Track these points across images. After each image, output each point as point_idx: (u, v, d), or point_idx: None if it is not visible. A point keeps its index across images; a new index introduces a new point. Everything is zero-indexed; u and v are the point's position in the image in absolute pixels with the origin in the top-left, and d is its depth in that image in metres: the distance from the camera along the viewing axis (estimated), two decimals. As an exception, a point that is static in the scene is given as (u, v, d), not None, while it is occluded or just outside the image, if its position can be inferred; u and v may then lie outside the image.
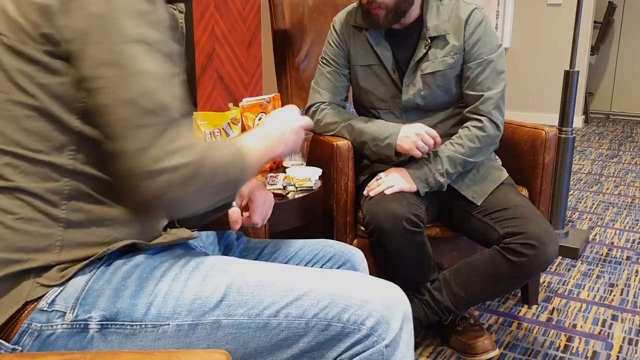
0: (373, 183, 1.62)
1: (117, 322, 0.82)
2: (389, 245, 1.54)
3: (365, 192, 1.62)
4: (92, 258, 0.84)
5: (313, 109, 1.76)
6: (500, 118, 1.64)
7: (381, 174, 1.63)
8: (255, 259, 1.14)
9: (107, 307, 0.82)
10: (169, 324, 0.83)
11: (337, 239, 1.70)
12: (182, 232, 0.99)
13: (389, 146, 1.59)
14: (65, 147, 0.82)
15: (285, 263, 1.14)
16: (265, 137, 0.98)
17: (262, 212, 1.12)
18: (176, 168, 0.77)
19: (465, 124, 1.65)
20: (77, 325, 0.81)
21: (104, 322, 0.82)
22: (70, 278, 0.83)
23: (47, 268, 0.83)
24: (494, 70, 1.62)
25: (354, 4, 1.75)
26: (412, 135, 1.55)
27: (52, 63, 0.79)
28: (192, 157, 0.79)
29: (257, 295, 0.85)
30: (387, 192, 1.57)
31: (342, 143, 1.64)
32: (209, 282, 0.85)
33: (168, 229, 1.00)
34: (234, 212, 1.10)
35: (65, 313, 0.81)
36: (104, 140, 0.79)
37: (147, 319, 0.83)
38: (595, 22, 5.15)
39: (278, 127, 1.02)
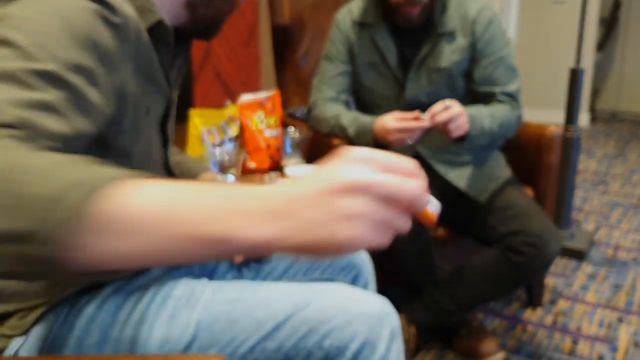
0: (438, 107, 1.42)
1: None
2: (393, 246, 1.50)
3: (428, 117, 1.42)
4: (54, 303, 0.78)
5: (313, 106, 1.73)
6: (520, 112, 1.63)
7: (449, 101, 1.45)
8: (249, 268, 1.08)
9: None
10: None
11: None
12: None
13: (369, 144, 1.55)
14: None
15: (286, 271, 1.08)
16: (234, 191, 0.47)
17: None
18: None
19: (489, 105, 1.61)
20: None
21: None
22: (33, 324, 0.78)
23: (6, 316, 0.78)
24: (506, 66, 1.61)
25: (357, 0, 1.72)
26: (390, 136, 1.48)
27: None
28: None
29: (228, 332, 0.79)
30: (452, 126, 1.41)
31: (342, 142, 1.62)
32: (177, 323, 0.80)
33: None
34: None
35: None
36: None
37: None
38: (601, 18, 5.10)
39: (294, 187, 0.47)
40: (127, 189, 0.43)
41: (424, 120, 1.43)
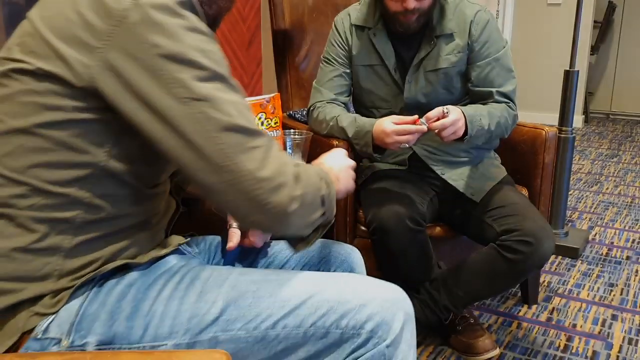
0: (434, 112, 1.45)
1: (114, 346, 0.81)
2: (391, 245, 1.54)
3: (425, 121, 1.46)
4: (83, 280, 0.82)
5: (312, 108, 1.76)
6: (516, 112, 1.67)
7: (448, 107, 1.47)
8: (252, 263, 1.13)
9: (103, 331, 0.81)
10: (166, 344, 0.82)
11: (337, 239, 1.69)
12: (174, 240, 0.97)
13: (367, 145, 1.57)
14: (84, 180, 0.81)
15: (281, 267, 1.13)
16: (327, 171, 0.97)
17: (261, 233, 1.10)
18: (293, 174, 0.81)
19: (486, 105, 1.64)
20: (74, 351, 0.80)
21: (101, 347, 0.80)
22: (64, 304, 0.82)
23: (41, 297, 0.82)
24: (503, 67, 1.64)
25: (356, 4, 1.75)
26: (387, 138, 1.50)
27: (89, 100, 0.77)
28: (297, 167, 0.83)
29: (254, 308, 0.84)
30: (444, 133, 1.45)
31: (342, 143, 1.64)
32: (206, 299, 0.85)
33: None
34: (234, 232, 1.09)
35: (61, 339, 0.80)
36: (201, 176, 0.78)
37: (145, 341, 0.81)
38: (595, 21, 5.15)
39: (334, 164, 1.03)
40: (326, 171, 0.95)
41: (423, 124, 1.45)
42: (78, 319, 0.81)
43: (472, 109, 1.55)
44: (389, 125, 1.49)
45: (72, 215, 0.81)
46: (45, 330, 0.80)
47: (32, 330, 0.80)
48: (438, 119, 1.45)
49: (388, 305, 0.85)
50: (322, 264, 1.13)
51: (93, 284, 0.84)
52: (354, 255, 1.16)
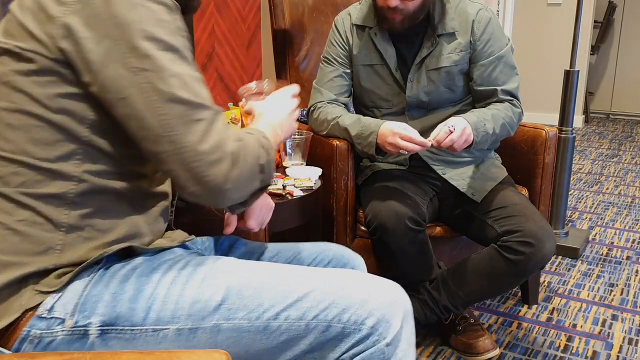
0: (442, 134, 1.45)
1: (117, 327, 0.82)
2: (391, 244, 1.54)
3: (434, 142, 1.46)
4: (88, 261, 0.84)
5: (312, 108, 1.76)
6: (521, 109, 1.67)
7: (451, 123, 1.47)
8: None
9: (107, 312, 0.82)
10: (168, 328, 0.83)
11: (337, 239, 1.70)
12: (180, 235, 0.99)
13: (370, 145, 1.58)
14: (72, 155, 0.83)
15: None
16: (269, 125, 0.99)
17: (257, 216, 1.11)
18: (231, 153, 0.83)
19: (490, 106, 1.65)
20: (77, 331, 0.81)
21: (104, 327, 0.81)
22: (68, 283, 0.83)
23: (45, 273, 0.83)
24: (506, 65, 1.65)
25: (356, 4, 1.75)
26: (390, 137, 1.51)
27: (65, 74, 0.80)
28: (238, 142, 0.84)
29: (257, 298, 0.85)
30: (456, 146, 1.47)
31: (342, 143, 1.64)
32: (208, 284, 0.85)
33: (165, 233, 1.00)
34: (229, 216, 1.09)
35: (65, 319, 0.81)
36: (145, 144, 0.81)
37: (147, 323, 0.82)
38: (595, 21, 5.15)
39: (276, 114, 1.03)
40: (266, 134, 0.95)
41: (428, 142, 1.46)
42: (82, 300, 0.82)
43: (476, 116, 1.55)
44: (397, 127, 1.50)
45: (64, 190, 0.83)
46: (51, 309, 0.81)
47: (36, 307, 0.81)
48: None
49: (389, 302, 0.86)
50: (324, 267, 1.13)
51: (99, 266, 0.85)
52: (357, 260, 1.16)
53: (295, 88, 1.09)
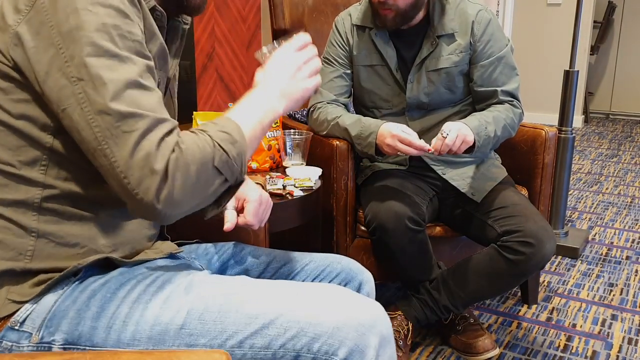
0: (437, 142, 1.46)
1: (78, 346, 0.79)
2: (391, 244, 1.54)
3: (433, 151, 1.46)
4: (64, 272, 0.81)
5: (312, 108, 1.76)
6: (521, 109, 1.68)
7: (445, 129, 1.46)
8: (260, 274, 1.10)
9: (69, 329, 0.79)
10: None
11: (337, 239, 1.70)
12: (168, 247, 0.95)
13: (370, 145, 1.57)
14: (37, 162, 0.81)
15: (292, 279, 1.09)
16: (258, 100, 0.88)
17: (257, 213, 1.07)
18: (161, 169, 0.73)
19: (490, 108, 1.65)
20: (42, 347, 0.79)
21: (66, 346, 0.79)
22: (42, 294, 0.81)
23: (19, 276, 0.81)
24: (506, 66, 1.65)
25: (357, 4, 1.75)
26: (388, 138, 1.51)
27: (22, 81, 0.78)
28: (173, 154, 0.75)
29: (219, 323, 0.80)
30: (454, 148, 1.46)
31: (342, 143, 1.64)
32: (170, 307, 0.81)
33: (155, 243, 0.97)
34: (229, 213, 1.05)
35: (32, 334, 0.79)
36: (89, 157, 0.77)
37: (107, 344, 0.80)
38: (595, 21, 5.15)
39: (274, 82, 0.89)
40: (234, 126, 0.82)
41: (426, 146, 1.46)
42: (50, 315, 0.80)
43: (477, 119, 1.55)
44: (396, 129, 1.50)
45: (29, 196, 0.81)
46: (22, 323, 0.80)
47: (9, 317, 0.80)
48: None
49: (363, 330, 0.80)
50: (332, 280, 1.09)
51: (76, 278, 0.83)
52: (365, 275, 1.10)
53: (303, 38, 0.93)
